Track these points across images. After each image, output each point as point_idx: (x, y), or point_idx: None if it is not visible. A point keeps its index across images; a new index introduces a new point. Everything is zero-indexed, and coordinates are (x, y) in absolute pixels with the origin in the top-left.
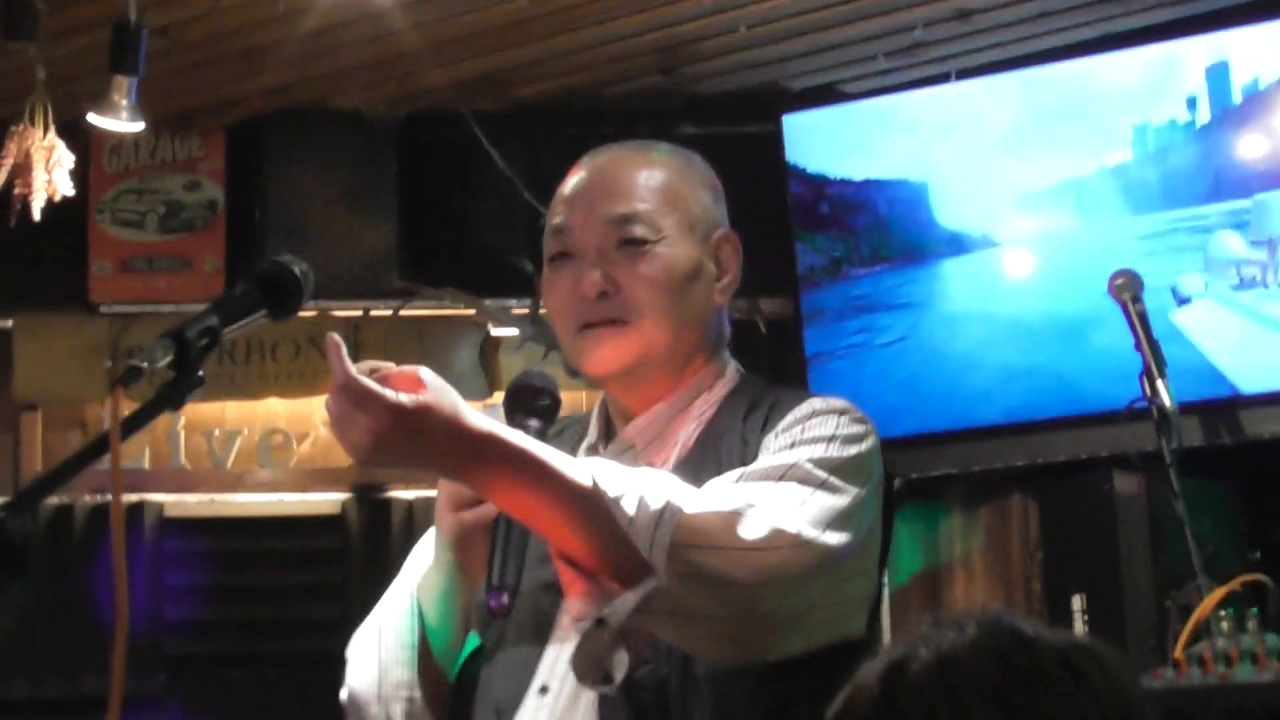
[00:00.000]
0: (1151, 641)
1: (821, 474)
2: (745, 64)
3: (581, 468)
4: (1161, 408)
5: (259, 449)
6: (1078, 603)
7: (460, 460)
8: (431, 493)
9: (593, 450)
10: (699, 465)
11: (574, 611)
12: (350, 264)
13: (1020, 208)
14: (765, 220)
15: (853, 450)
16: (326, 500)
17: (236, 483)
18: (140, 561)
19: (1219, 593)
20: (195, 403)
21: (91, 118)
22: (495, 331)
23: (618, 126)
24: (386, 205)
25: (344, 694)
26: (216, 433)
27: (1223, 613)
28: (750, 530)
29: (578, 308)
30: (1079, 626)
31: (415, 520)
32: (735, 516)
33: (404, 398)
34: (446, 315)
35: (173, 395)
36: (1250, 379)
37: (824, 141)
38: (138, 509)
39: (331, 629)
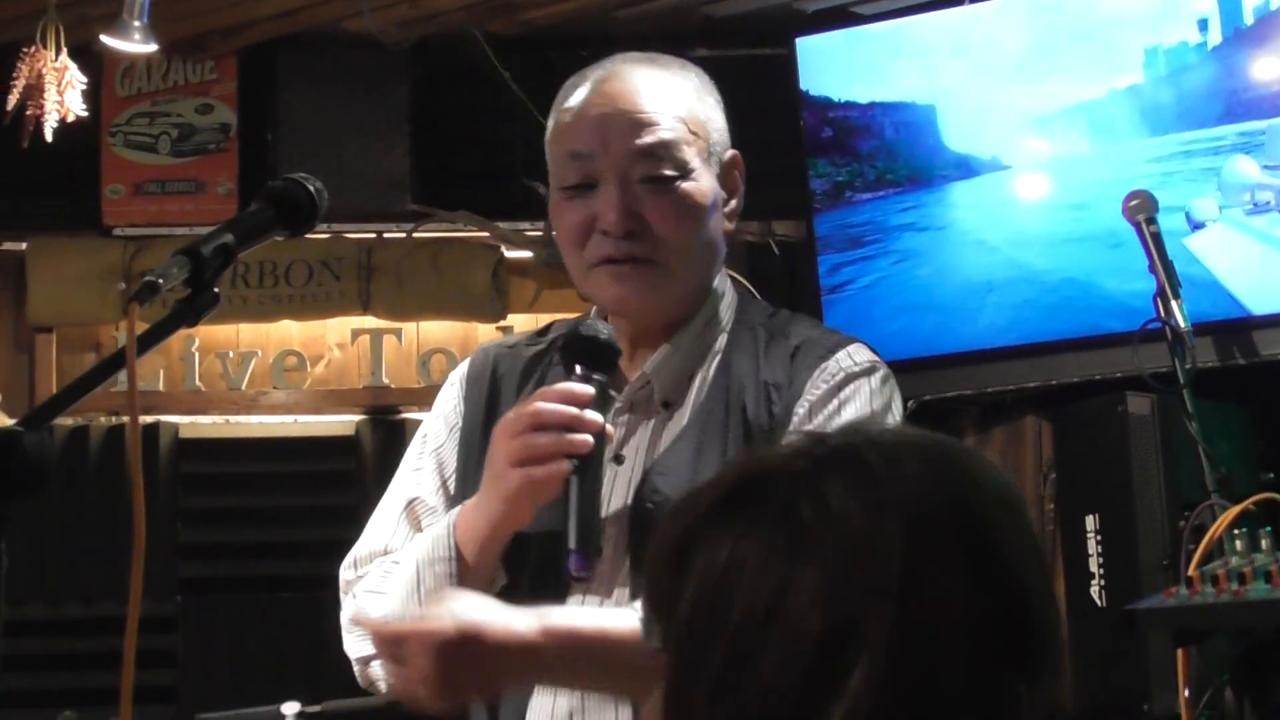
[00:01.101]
0: (1165, 561)
1: None
2: None
3: (626, 623)
4: (1175, 328)
5: (273, 371)
6: (1091, 523)
7: (524, 673)
8: None
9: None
10: (718, 415)
11: None
12: (363, 187)
13: (1031, 131)
14: (778, 144)
15: (891, 417)
16: (341, 422)
17: (251, 404)
18: (155, 483)
19: (1232, 512)
20: (209, 325)
21: (104, 39)
22: (509, 254)
23: (630, 48)
24: (399, 128)
25: (354, 616)
26: (231, 354)
27: (1236, 532)
28: None
29: (598, 242)
30: (1092, 546)
31: None
32: None
33: (441, 628)
34: (460, 238)
35: (188, 312)
36: (1264, 301)
37: (835, 65)
38: (153, 430)
39: (346, 551)
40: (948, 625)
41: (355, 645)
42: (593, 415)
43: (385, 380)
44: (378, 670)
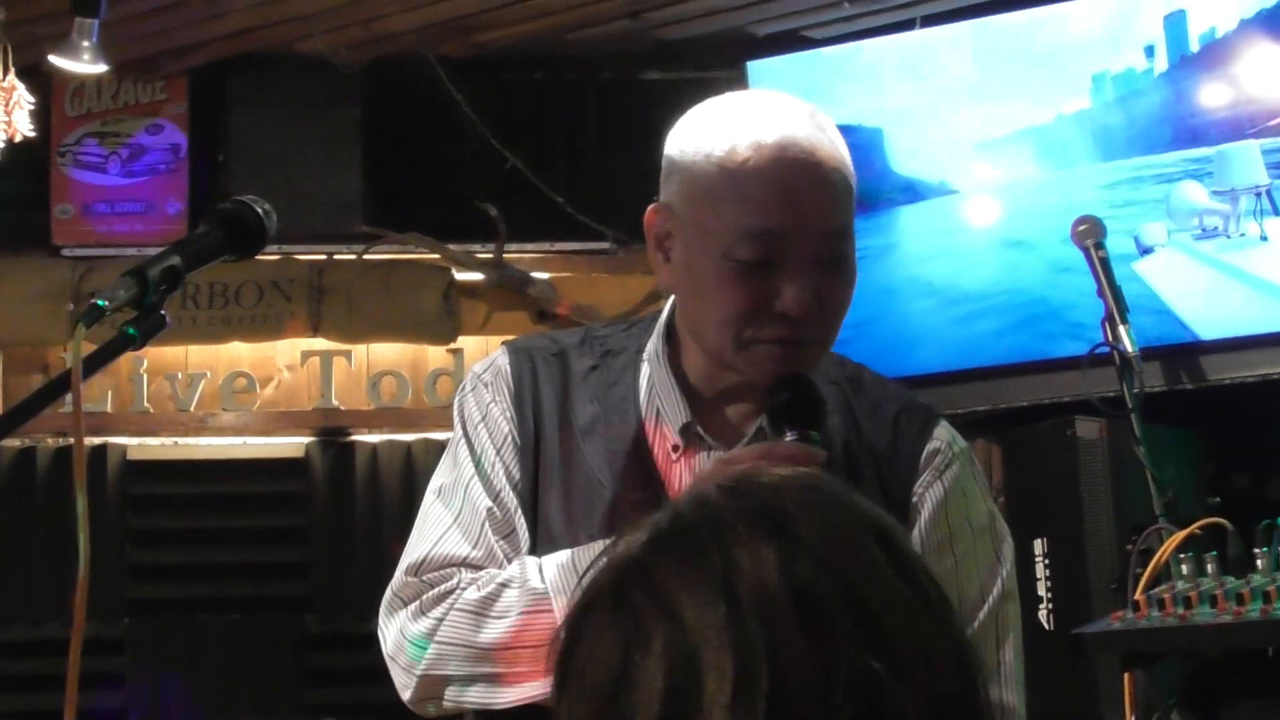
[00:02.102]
0: (1113, 584)
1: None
2: (711, 9)
3: None
4: (1123, 353)
5: (222, 392)
6: (1039, 547)
7: None
8: (394, 436)
9: (687, 430)
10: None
11: None
12: (315, 208)
13: (979, 155)
14: None
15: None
16: (290, 444)
17: (200, 426)
18: (103, 504)
19: (1179, 536)
20: (158, 346)
21: (53, 59)
22: (460, 276)
23: (582, 71)
24: (351, 150)
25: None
26: (180, 376)
27: (1183, 556)
28: None
29: (773, 323)
30: (1040, 570)
31: (379, 463)
32: None
33: None
34: (411, 260)
35: (135, 334)
36: (1211, 326)
37: (787, 88)
38: (101, 452)
39: (295, 572)
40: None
41: (421, 672)
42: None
43: (335, 402)
44: (455, 694)
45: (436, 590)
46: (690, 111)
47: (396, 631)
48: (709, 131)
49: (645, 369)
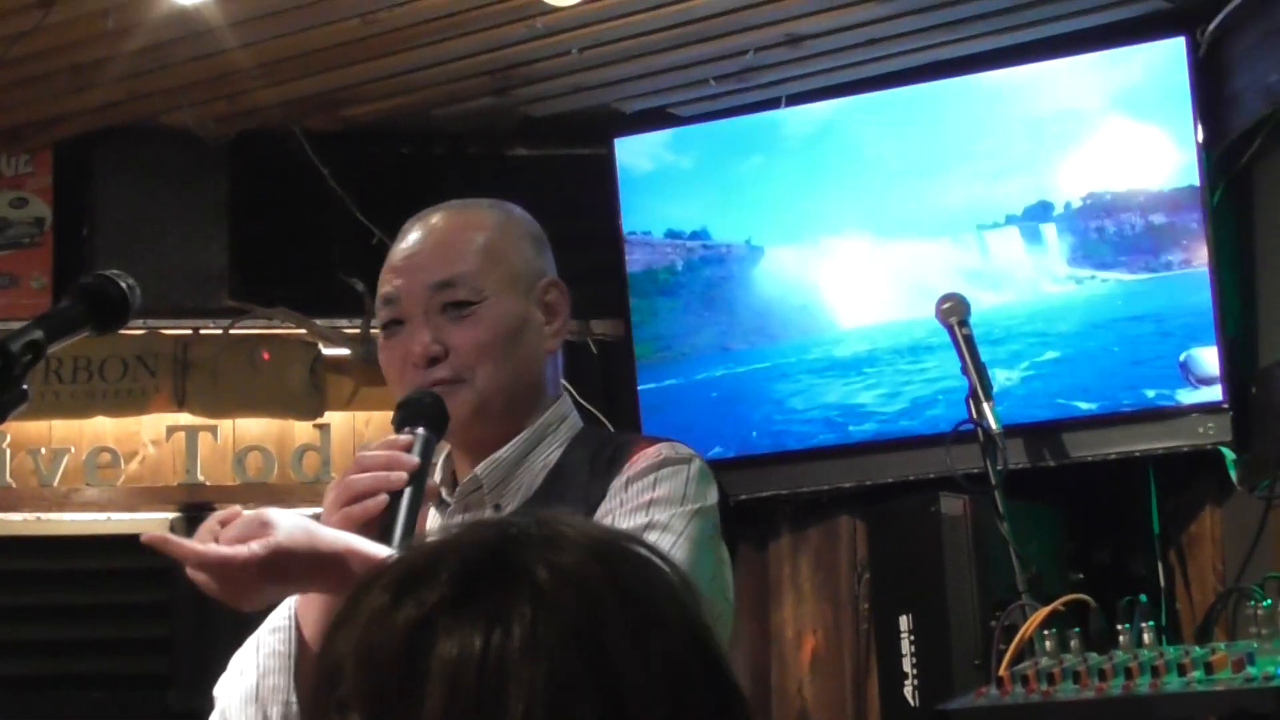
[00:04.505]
0: (977, 660)
1: (671, 538)
2: (577, 86)
3: None
4: (987, 430)
5: (86, 467)
6: (904, 623)
7: (328, 580)
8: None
9: (436, 494)
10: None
11: None
12: (180, 282)
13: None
14: (597, 241)
15: (704, 504)
16: (154, 519)
17: (63, 501)
18: None
19: (1042, 612)
20: (21, 420)
21: None
22: (327, 351)
23: (449, 146)
24: (217, 223)
25: (214, 714)
26: (43, 450)
27: (1046, 632)
28: None
29: (412, 373)
30: (905, 646)
31: None
32: None
33: (256, 547)
34: (278, 334)
35: None
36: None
37: (650, 163)
38: None
39: (159, 648)
40: None
41: None
42: (408, 457)
43: (201, 477)
44: None
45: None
46: None
47: None
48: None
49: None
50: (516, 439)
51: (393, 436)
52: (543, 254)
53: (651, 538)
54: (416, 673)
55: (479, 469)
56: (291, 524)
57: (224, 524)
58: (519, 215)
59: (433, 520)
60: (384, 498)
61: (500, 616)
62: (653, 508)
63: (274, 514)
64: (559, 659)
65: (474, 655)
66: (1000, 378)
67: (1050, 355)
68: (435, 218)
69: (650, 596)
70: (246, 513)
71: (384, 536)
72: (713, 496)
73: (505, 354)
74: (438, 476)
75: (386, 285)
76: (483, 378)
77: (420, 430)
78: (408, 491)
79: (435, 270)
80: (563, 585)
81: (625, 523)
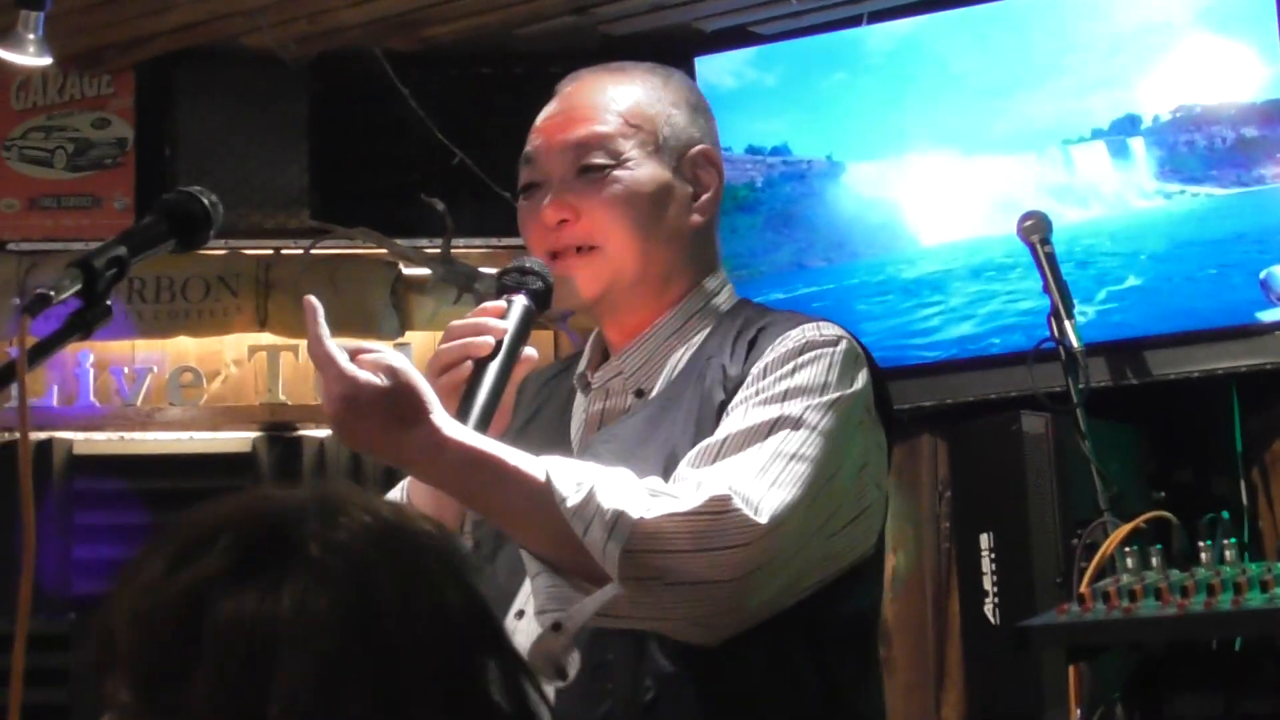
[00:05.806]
0: (1058, 578)
1: (804, 434)
2: (658, 4)
3: (539, 467)
4: (1069, 348)
5: (169, 387)
6: (985, 541)
7: (417, 454)
8: None
9: (582, 378)
10: (680, 393)
11: (537, 604)
12: (261, 203)
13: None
14: None
15: (846, 392)
16: (237, 438)
17: (146, 420)
18: (48, 500)
19: (1123, 530)
20: (104, 341)
21: None
22: (407, 271)
23: (529, 66)
24: (298, 144)
25: None
26: (125, 370)
27: (1127, 550)
28: (721, 530)
29: (542, 237)
30: (986, 564)
31: (326, 458)
32: (699, 519)
33: (362, 375)
34: (358, 254)
35: (80, 324)
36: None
37: (729, 83)
38: (46, 447)
39: None
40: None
41: None
42: (497, 323)
43: (282, 397)
44: None
45: None
46: None
47: None
48: None
49: (588, 347)
50: (658, 321)
51: (484, 305)
52: (697, 121)
53: (780, 435)
54: (188, 640)
55: (616, 358)
56: (410, 385)
57: (356, 353)
58: (677, 79)
59: (578, 404)
60: (469, 365)
61: (272, 587)
62: (787, 399)
63: (403, 363)
64: (328, 629)
65: (244, 623)
66: (1081, 306)
67: (1132, 282)
68: (583, 77)
69: (425, 573)
70: (381, 355)
71: (465, 404)
72: (861, 380)
73: (641, 223)
74: (585, 355)
75: (527, 145)
76: (615, 245)
77: (517, 299)
78: (496, 361)
79: (573, 131)
80: (334, 559)
81: (757, 415)
